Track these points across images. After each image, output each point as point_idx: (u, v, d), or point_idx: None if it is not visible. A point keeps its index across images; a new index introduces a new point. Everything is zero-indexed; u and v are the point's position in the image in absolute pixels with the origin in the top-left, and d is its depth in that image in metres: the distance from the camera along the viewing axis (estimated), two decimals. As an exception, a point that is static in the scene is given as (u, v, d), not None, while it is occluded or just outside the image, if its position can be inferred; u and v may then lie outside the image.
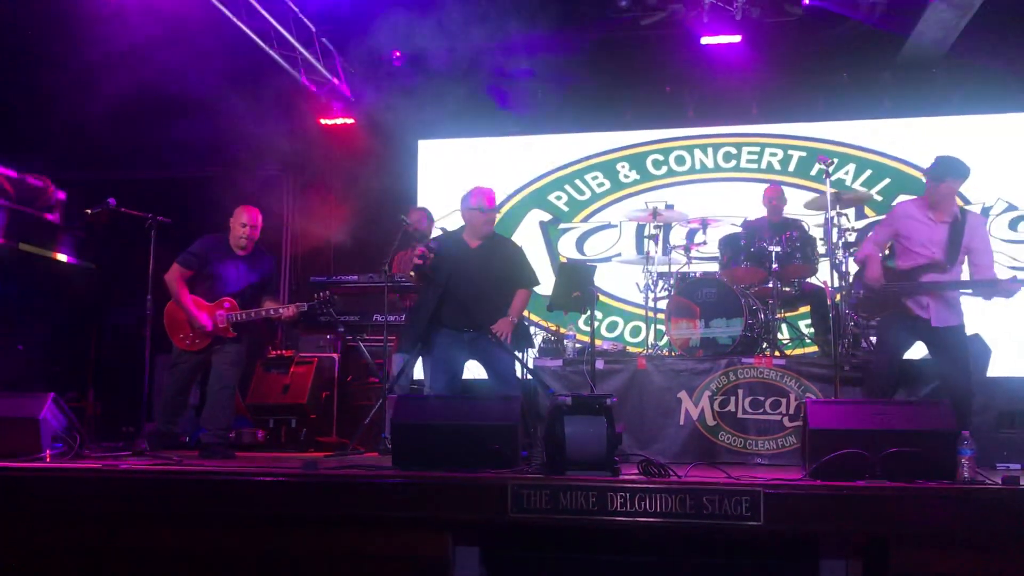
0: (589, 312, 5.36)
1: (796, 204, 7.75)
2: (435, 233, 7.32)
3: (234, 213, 6.32)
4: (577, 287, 5.23)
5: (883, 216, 6.25)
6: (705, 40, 8.28)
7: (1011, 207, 8.57)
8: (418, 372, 7.07)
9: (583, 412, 4.26)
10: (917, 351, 5.86)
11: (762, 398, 6.11)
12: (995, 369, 6.54)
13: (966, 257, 5.48)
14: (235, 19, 7.80)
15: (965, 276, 5.51)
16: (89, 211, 6.17)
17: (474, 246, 5.84)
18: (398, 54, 9.30)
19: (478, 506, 4.05)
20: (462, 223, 6.02)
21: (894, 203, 6.87)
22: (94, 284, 10.19)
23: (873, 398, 5.53)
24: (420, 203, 9.04)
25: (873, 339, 6.30)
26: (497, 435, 4.45)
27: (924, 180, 5.55)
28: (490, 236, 5.90)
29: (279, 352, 8.52)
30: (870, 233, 6.00)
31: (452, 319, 5.71)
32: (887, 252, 5.80)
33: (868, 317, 6.08)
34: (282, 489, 4.20)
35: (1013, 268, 8.41)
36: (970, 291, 5.48)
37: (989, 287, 5.39)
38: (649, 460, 4.13)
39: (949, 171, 5.44)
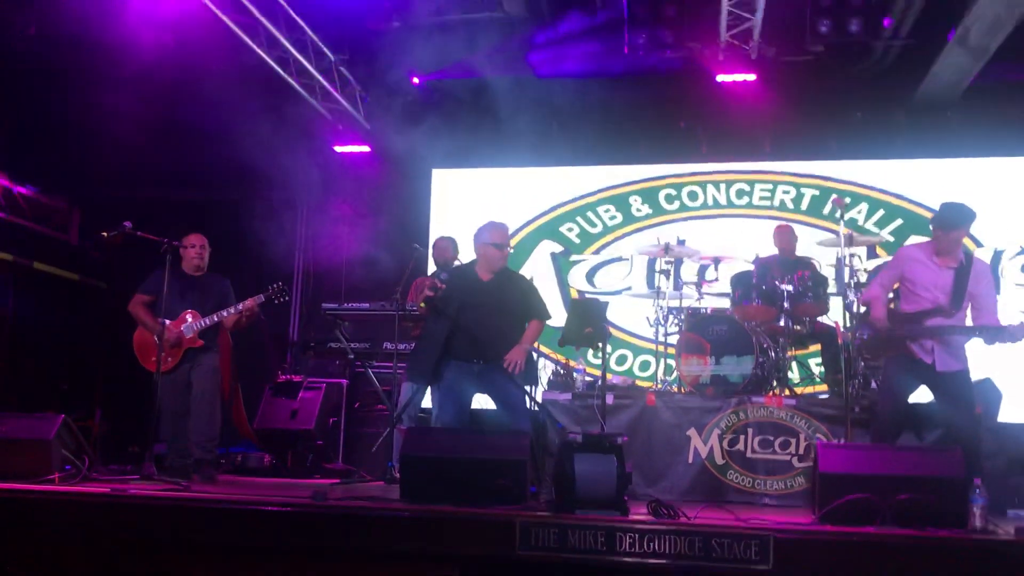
0: (601, 348, 5.35)
1: (808, 242, 7.76)
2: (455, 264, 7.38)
3: (182, 240, 6.56)
4: (589, 323, 5.23)
5: (891, 257, 6.26)
6: (721, 78, 8.33)
7: (1024, 250, 8.57)
8: (426, 402, 7.09)
9: (593, 450, 4.26)
10: (924, 394, 5.84)
11: (772, 438, 6.09)
12: (1006, 414, 6.52)
13: (969, 303, 5.48)
14: (255, 46, 7.89)
15: (969, 322, 5.50)
16: (105, 234, 6.21)
17: (486, 279, 5.84)
18: (416, 81, 9.36)
19: (486, 542, 4.03)
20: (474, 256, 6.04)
21: (905, 243, 6.85)
22: (105, 303, 10.23)
23: (879, 441, 5.51)
24: (434, 231, 9.09)
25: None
26: (506, 470, 4.45)
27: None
28: (502, 271, 5.91)
29: (288, 377, 8.54)
30: (877, 275, 5.99)
31: (461, 351, 5.72)
32: (892, 295, 5.80)
33: (872, 358, 6.05)
34: (291, 519, 4.19)
35: (1025, 312, 8.38)
36: (975, 335, 5.45)
37: (994, 333, 5.36)
38: (659, 501, 4.12)
39: (959, 219, 5.47)
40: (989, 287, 5.52)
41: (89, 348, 9.94)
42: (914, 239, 5.68)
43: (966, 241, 8.47)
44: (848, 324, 6.17)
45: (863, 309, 6.18)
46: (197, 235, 6.64)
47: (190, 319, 6.39)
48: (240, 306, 6.44)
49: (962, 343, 5.48)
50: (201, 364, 6.41)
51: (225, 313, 6.41)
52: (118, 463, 7.20)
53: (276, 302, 6.73)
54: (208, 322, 6.39)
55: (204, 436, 6.32)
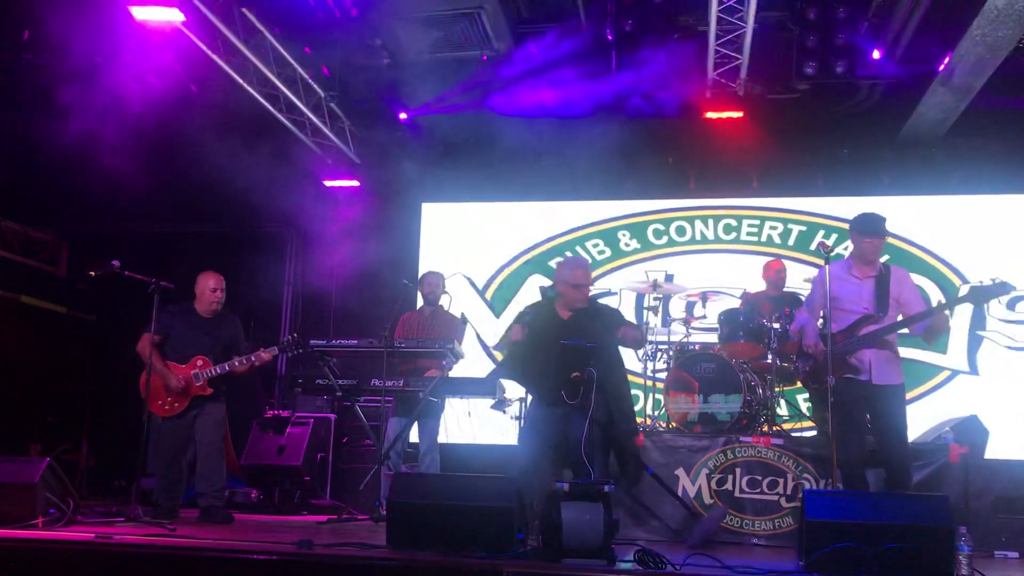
0: (583, 393, 5.28)
1: (796, 278, 7.81)
2: (443, 299, 7.37)
3: (199, 280, 6.46)
4: (576, 368, 5.22)
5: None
6: (709, 115, 8.41)
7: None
8: (413, 436, 7.08)
9: (580, 498, 4.25)
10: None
11: (760, 477, 6.10)
12: (993, 452, 6.54)
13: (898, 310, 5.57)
14: (245, 84, 7.93)
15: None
16: (93, 272, 6.22)
17: (566, 317, 5.68)
18: (404, 117, 9.41)
19: (472, 591, 4.01)
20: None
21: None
22: (93, 336, 10.20)
23: (849, 477, 5.47)
24: (423, 265, 9.10)
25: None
26: (492, 517, 4.43)
27: (886, 246, 5.64)
28: (588, 305, 5.72)
29: (276, 412, 8.53)
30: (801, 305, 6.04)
31: (544, 395, 5.55)
32: (822, 320, 5.83)
33: (819, 389, 5.95)
34: (277, 568, 4.17)
35: (1012, 348, 8.44)
36: (906, 331, 5.56)
37: (920, 319, 5.50)
38: (645, 550, 4.11)
39: (869, 227, 5.61)
40: (913, 291, 5.64)
41: (76, 381, 9.90)
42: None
43: (950, 275, 8.64)
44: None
45: (796, 339, 6.17)
46: (215, 275, 6.51)
47: (200, 365, 6.30)
48: (252, 358, 6.35)
49: (897, 358, 5.56)
50: (208, 414, 6.35)
51: (237, 363, 6.32)
52: (104, 499, 7.17)
53: (289, 355, 6.73)
54: (219, 371, 6.30)
55: (213, 487, 6.34)
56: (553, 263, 9.52)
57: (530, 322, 5.71)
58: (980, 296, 5.40)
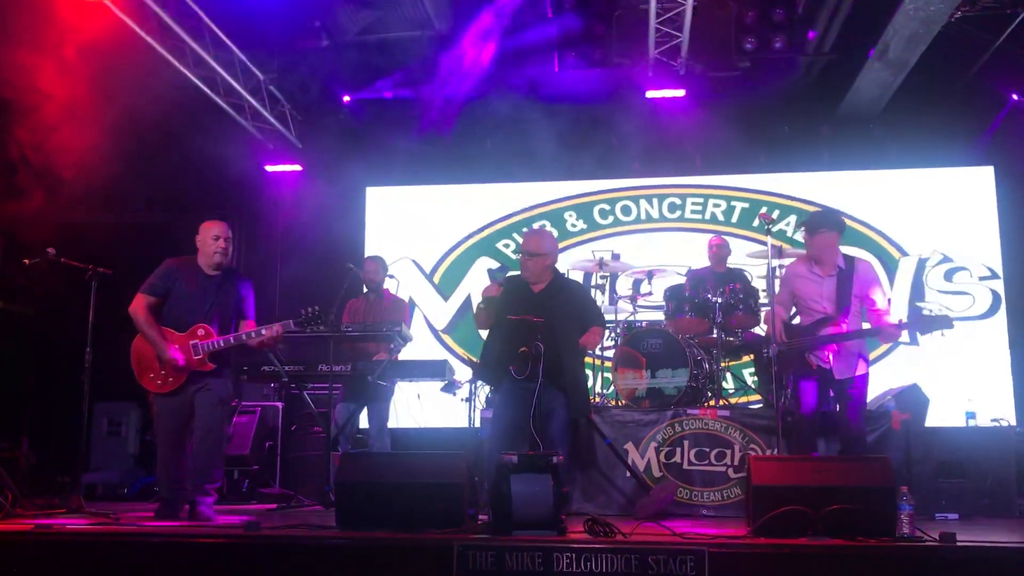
0: (531, 368, 5.27)
1: (740, 254, 7.89)
2: (388, 282, 7.32)
3: (200, 230, 5.48)
4: (523, 342, 5.21)
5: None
6: (650, 94, 8.45)
7: (946, 259, 8.81)
8: (363, 422, 7.03)
9: (529, 470, 4.25)
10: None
11: (707, 449, 6.16)
12: (933, 419, 6.69)
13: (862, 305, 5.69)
14: (181, 67, 7.76)
15: (866, 325, 5.71)
16: (27, 261, 5.97)
17: (536, 291, 5.58)
18: (347, 100, 9.31)
19: (423, 567, 3.99)
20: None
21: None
22: (32, 330, 9.95)
23: (798, 449, 5.69)
24: (368, 250, 9.03)
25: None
26: (443, 493, 4.41)
27: (815, 233, 5.69)
28: (553, 280, 5.62)
29: (222, 401, 8.39)
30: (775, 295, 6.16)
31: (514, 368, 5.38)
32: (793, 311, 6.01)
33: (783, 372, 6.10)
34: (225, 551, 4.10)
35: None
36: (855, 339, 5.66)
37: (872, 334, 5.66)
38: (595, 519, 4.12)
39: (823, 223, 5.70)
40: (875, 288, 5.72)
41: (15, 376, 9.65)
42: (844, 250, 5.82)
43: (889, 248, 8.79)
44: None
45: (766, 327, 6.35)
46: (218, 223, 5.48)
47: (201, 335, 5.32)
48: (264, 331, 5.37)
49: (860, 348, 5.69)
50: (209, 391, 5.34)
51: (245, 336, 5.36)
52: (47, 496, 7.00)
53: (308, 330, 5.96)
54: (223, 343, 5.33)
55: (209, 479, 5.34)
56: (500, 245, 9.53)
57: (504, 292, 5.63)
58: (923, 327, 5.65)
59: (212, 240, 5.41)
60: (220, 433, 5.44)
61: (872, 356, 8.36)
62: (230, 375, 5.57)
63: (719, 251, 7.61)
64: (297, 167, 9.65)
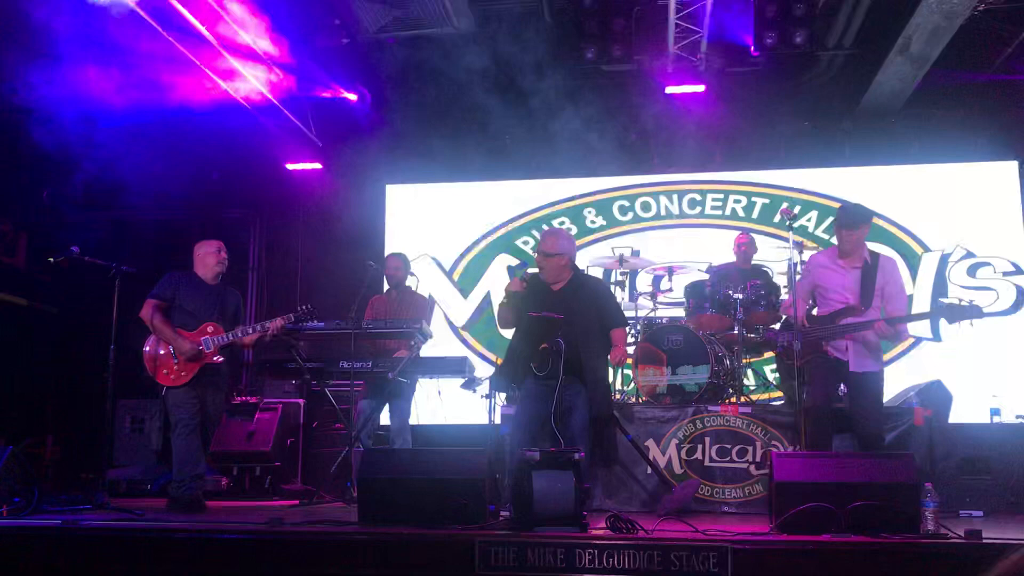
0: (552, 365, 5.27)
1: (762, 250, 7.85)
2: (409, 280, 7.35)
3: (196, 249, 6.23)
4: (544, 339, 5.22)
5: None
6: (670, 89, 8.42)
7: (969, 254, 8.73)
8: (384, 419, 7.06)
9: (551, 467, 4.25)
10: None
11: (729, 446, 6.14)
12: (957, 415, 6.64)
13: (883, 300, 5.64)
14: (201, 65, 7.79)
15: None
16: (52, 259, 6.04)
17: (556, 289, 5.59)
18: (368, 97, 9.33)
19: (445, 563, 4.01)
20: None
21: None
22: (56, 327, 10.04)
23: (814, 444, 5.57)
24: (388, 248, 9.06)
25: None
26: (464, 489, 4.43)
27: (856, 228, 5.64)
28: (572, 278, 5.63)
29: (244, 398, 8.46)
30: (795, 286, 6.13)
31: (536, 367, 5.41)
32: (811, 302, 5.97)
33: (791, 364, 6.06)
34: (247, 546, 4.14)
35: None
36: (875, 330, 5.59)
37: (890, 334, 5.57)
38: (617, 515, 4.13)
39: (859, 218, 5.64)
40: (898, 284, 5.70)
41: (40, 373, 9.75)
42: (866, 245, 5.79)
43: (912, 244, 8.73)
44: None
45: (783, 317, 6.33)
46: (214, 241, 6.28)
47: (211, 331, 5.99)
48: (267, 324, 6.07)
49: (877, 345, 5.65)
50: (217, 385, 6.09)
51: (250, 330, 6.04)
52: (72, 491, 7.06)
53: (303, 325, 6.48)
54: (230, 338, 6.00)
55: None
56: (519, 242, 9.54)
57: (526, 291, 5.62)
58: (951, 315, 5.57)
59: (215, 253, 6.18)
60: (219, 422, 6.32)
61: (894, 352, 8.38)
62: (229, 370, 6.29)
63: (747, 249, 7.58)
64: (317, 165, 9.67)
